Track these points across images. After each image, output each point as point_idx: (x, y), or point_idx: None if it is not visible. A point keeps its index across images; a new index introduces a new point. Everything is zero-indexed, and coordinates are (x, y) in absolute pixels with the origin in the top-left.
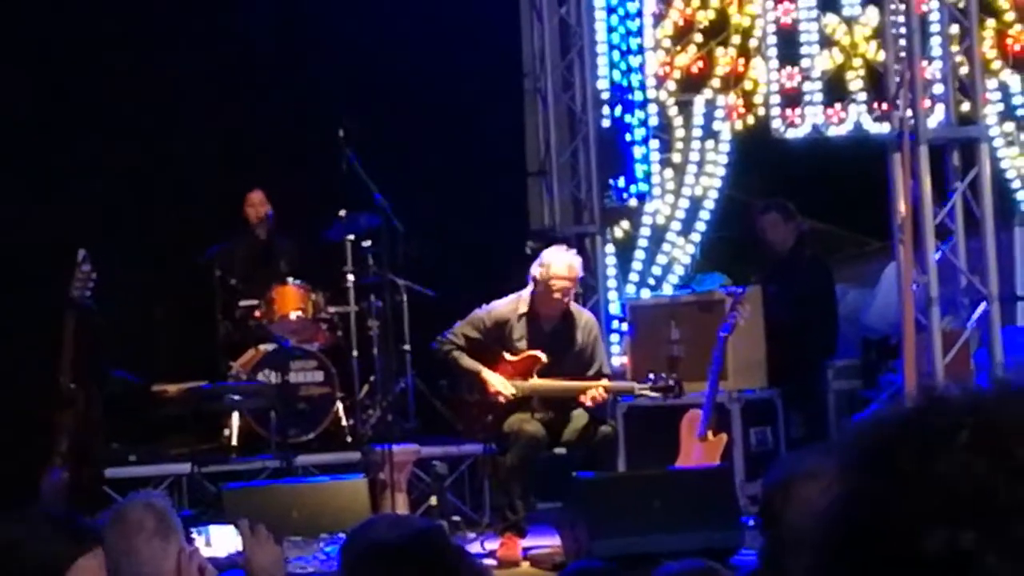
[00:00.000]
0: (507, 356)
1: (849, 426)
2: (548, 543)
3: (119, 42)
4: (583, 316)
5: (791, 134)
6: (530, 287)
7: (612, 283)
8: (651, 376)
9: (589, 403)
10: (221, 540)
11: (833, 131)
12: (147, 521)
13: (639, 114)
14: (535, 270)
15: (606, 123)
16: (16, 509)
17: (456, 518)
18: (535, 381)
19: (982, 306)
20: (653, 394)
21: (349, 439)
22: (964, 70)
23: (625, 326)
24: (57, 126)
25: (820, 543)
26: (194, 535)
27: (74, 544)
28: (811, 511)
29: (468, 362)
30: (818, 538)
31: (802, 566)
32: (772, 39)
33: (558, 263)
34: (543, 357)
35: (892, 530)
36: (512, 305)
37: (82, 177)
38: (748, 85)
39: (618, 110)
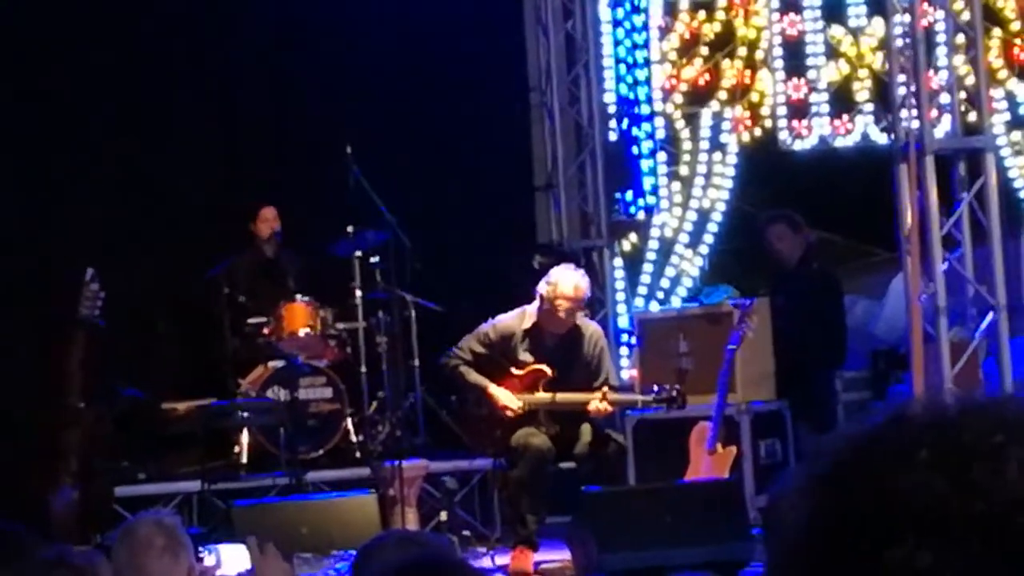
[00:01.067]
0: (513, 370)
1: (817, 444)
2: (558, 557)
3: (127, 60)
4: (589, 328)
5: (798, 145)
6: (536, 303)
7: (621, 296)
8: (655, 388)
9: (593, 414)
10: (231, 558)
11: (840, 142)
12: (157, 539)
13: (646, 127)
14: (543, 288)
15: (613, 136)
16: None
17: (466, 533)
18: (542, 395)
19: (990, 316)
20: (656, 405)
21: (359, 455)
22: (970, 80)
23: (634, 339)
24: (64, 145)
25: (781, 560)
26: (203, 553)
27: None
28: None
29: (475, 377)
30: (779, 555)
31: None
32: (778, 51)
33: (565, 283)
34: (549, 371)
35: (851, 548)
36: (518, 319)
37: (90, 196)
38: (755, 97)
39: (625, 123)
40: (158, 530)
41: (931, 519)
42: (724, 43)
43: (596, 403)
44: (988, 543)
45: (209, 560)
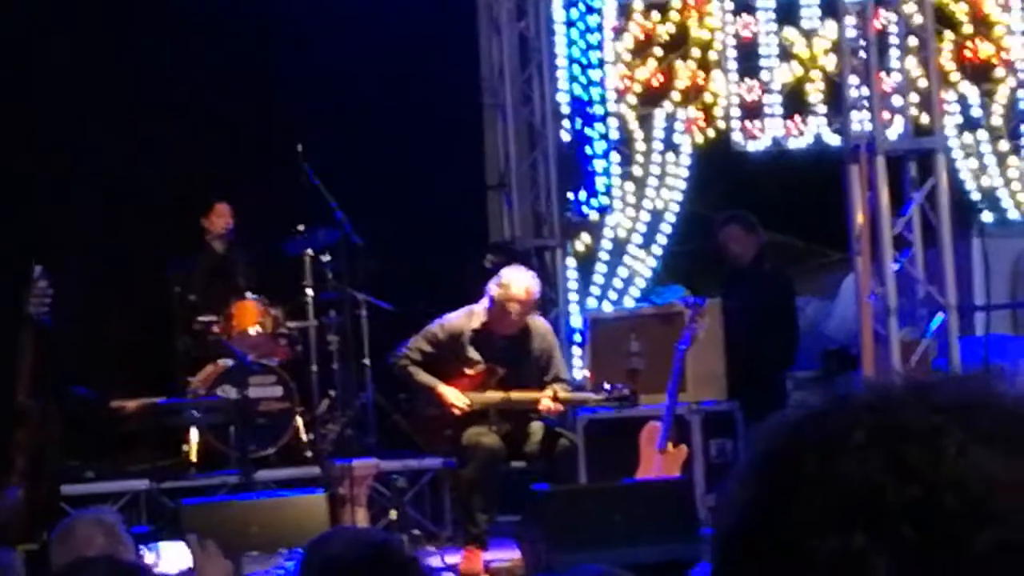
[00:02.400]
0: (464, 369)
1: (754, 433)
2: (509, 556)
3: (78, 57)
4: (536, 324)
5: (751, 147)
6: (485, 303)
7: (573, 296)
8: (607, 387)
9: (544, 412)
10: (172, 556)
11: (793, 143)
12: (96, 537)
13: (599, 127)
14: (493, 289)
15: (566, 137)
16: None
17: (416, 532)
18: (491, 394)
19: (940, 316)
20: (609, 404)
21: (309, 454)
22: (922, 82)
23: (586, 339)
24: (13, 140)
25: (719, 548)
26: (144, 551)
27: None
28: None
29: (424, 377)
30: (717, 545)
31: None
32: (732, 52)
33: (517, 285)
34: (499, 370)
35: (786, 534)
36: (466, 318)
37: (39, 191)
38: (708, 98)
39: (578, 123)
40: (98, 528)
41: (865, 503)
42: (678, 44)
43: (547, 402)
44: (923, 526)
45: (150, 558)
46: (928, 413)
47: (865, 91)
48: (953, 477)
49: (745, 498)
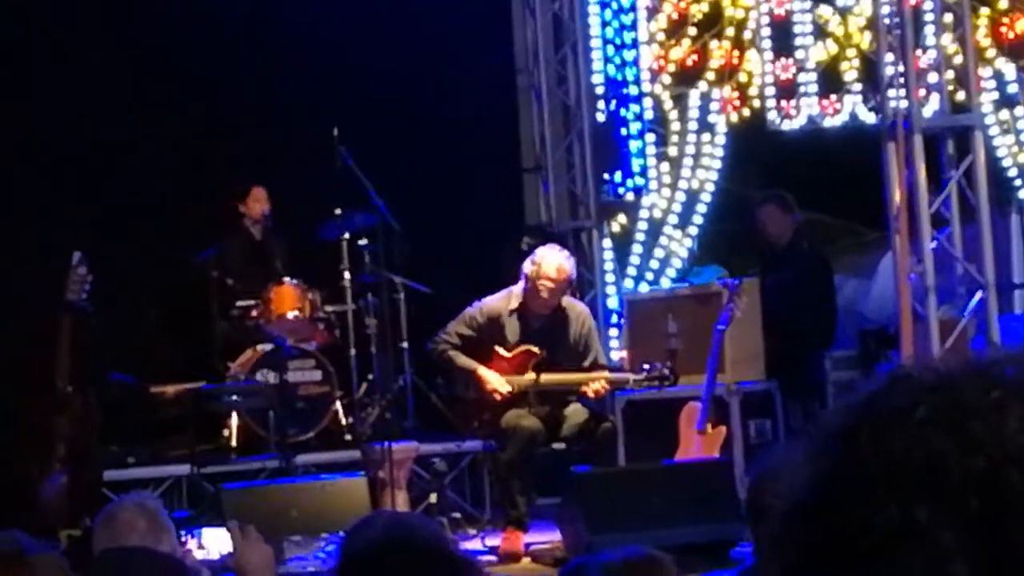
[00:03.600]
0: (502, 352)
1: (822, 413)
2: (548, 538)
3: (112, 41)
4: (576, 308)
5: (786, 126)
6: (522, 283)
7: (610, 277)
8: (645, 366)
9: (592, 395)
10: (214, 542)
11: (828, 122)
12: (138, 522)
13: (634, 108)
14: (527, 267)
15: (601, 117)
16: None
17: (456, 515)
18: (531, 376)
19: (979, 294)
20: (648, 384)
21: (348, 438)
22: (958, 59)
23: (623, 320)
24: (50, 128)
25: (781, 524)
26: (185, 537)
27: None
28: None
29: (463, 360)
30: (778, 520)
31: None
32: (766, 31)
33: (548, 263)
34: (537, 351)
35: (848, 507)
36: (504, 300)
37: (78, 179)
38: (743, 77)
39: (613, 104)
40: (140, 513)
41: (928, 475)
42: (712, 23)
43: (596, 384)
44: (986, 499)
45: (191, 544)
46: (989, 389)
47: (901, 68)
48: (1016, 451)
49: (808, 473)
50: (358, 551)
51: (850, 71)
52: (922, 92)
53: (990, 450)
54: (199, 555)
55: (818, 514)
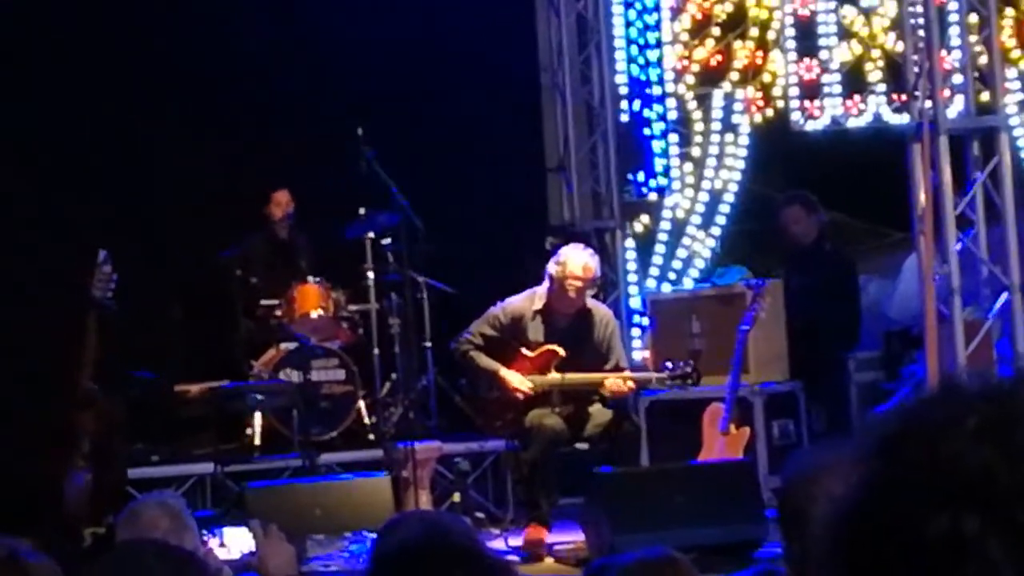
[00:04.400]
0: (524, 352)
1: (869, 417)
2: (572, 539)
3: (137, 40)
4: (599, 311)
5: (810, 126)
6: (546, 283)
7: (633, 277)
8: (668, 365)
9: (615, 391)
10: (236, 541)
11: (852, 123)
12: (161, 521)
13: (658, 108)
14: (552, 267)
15: (624, 118)
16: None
17: (479, 515)
18: (554, 376)
19: (1004, 296)
20: (672, 383)
21: (371, 437)
22: (983, 60)
23: (646, 320)
24: (75, 126)
25: (829, 531)
26: (208, 536)
27: None
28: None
29: (486, 361)
30: (827, 526)
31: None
32: (790, 31)
33: (574, 262)
34: (560, 351)
35: (897, 516)
36: (528, 301)
37: (102, 178)
38: (767, 78)
39: (636, 104)
40: (162, 512)
41: (978, 486)
42: (736, 24)
43: (617, 380)
44: None
45: (214, 543)
46: None
47: (926, 69)
48: None
49: (859, 479)
50: (391, 551)
51: (874, 72)
52: (947, 93)
53: None
54: (221, 554)
55: (868, 522)
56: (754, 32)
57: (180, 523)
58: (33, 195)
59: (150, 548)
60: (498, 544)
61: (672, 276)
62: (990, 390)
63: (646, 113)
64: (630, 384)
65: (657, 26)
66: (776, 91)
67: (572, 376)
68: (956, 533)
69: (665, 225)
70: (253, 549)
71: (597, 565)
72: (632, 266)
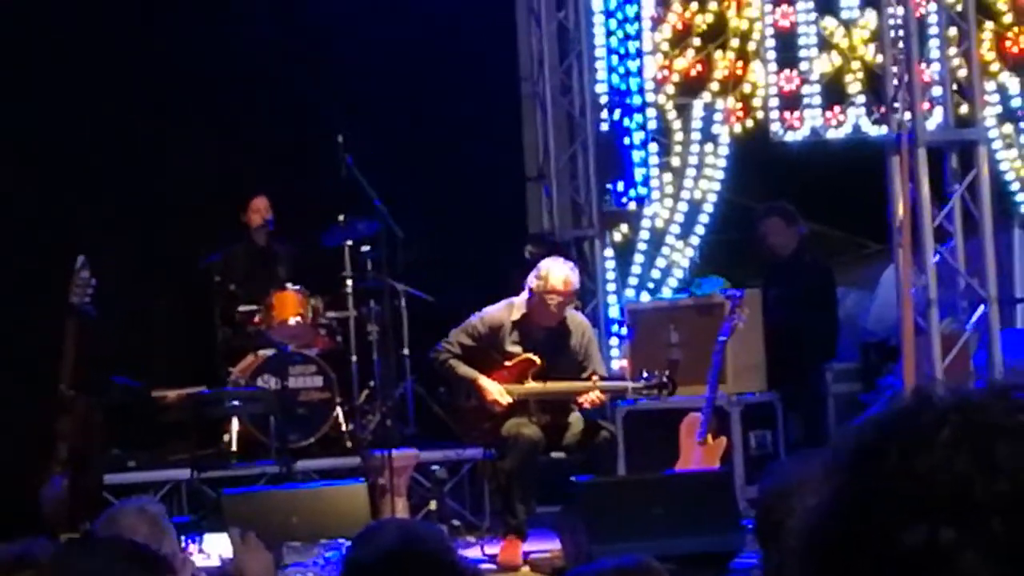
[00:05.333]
0: (503, 361)
1: (843, 427)
2: (548, 547)
3: (117, 45)
4: (576, 320)
5: (790, 137)
6: (526, 295)
7: (611, 287)
8: (644, 375)
9: (587, 406)
10: (215, 547)
11: (832, 134)
12: (139, 527)
13: (638, 118)
14: (532, 281)
15: (605, 127)
16: (97, 541)
17: (456, 523)
18: (531, 385)
19: (981, 308)
20: (647, 392)
21: (349, 444)
22: (963, 72)
23: (624, 330)
24: (58, 134)
25: (802, 543)
26: (186, 542)
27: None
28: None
29: (464, 370)
30: (801, 537)
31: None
32: (770, 42)
33: (555, 277)
34: (538, 361)
35: (872, 528)
36: (506, 311)
37: (81, 183)
38: (747, 88)
39: (617, 114)
40: (141, 517)
41: (953, 498)
42: (716, 34)
43: (591, 395)
44: (1011, 522)
45: (193, 549)
46: (1013, 412)
47: (905, 81)
48: None
49: (833, 490)
50: (366, 559)
51: (854, 83)
52: (926, 105)
53: (1014, 473)
54: (200, 560)
55: (843, 531)
56: (734, 43)
57: (158, 528)
58: (10, 200)
59: (102, 545)
60: (474, 552)
61: (651, 285)
62: (963, 400)
63: (626, 123)
64: (599, 395)
65: (638, 36)
66: (756, 102)
67: (549, 385)
68: (932, 545)
69: (644, 235)
70: (232, 556)
71: (574, 573)
72: (611, 275)
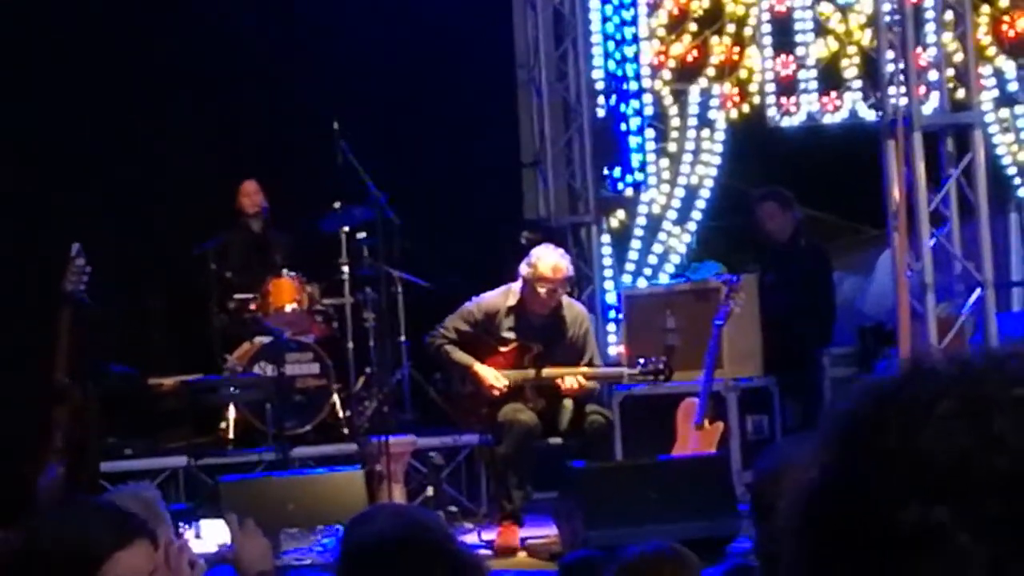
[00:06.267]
0: (499, 348)
1: (838, 401)
2: (545, 533)
3: (111, 33)
4: (573, 308)
5: (786, 122)
6: (520, 282)
7: (608, 272)
8: (640, 361)
9: (569, 393)
10: (211, 534)
11: (828, 119)
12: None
13: (634, 103)
14: (523, 269)
15: (601, 113)
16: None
17: (453, 508)
18: (527, 371)
19: (977, 292)
20: (643, 378)
21: (345, 431)
22: (959, 56)
23: (621, 315)
24: (49, 119)
25: (794, 520)
26: (184, 529)
27: (116, 535)
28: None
29: (460, 356)
30: (791, 516)
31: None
32: (767, 27)
33: (544, 263)
34: (534, 347)
35: (865, 504)
36: (502, 297)
37: (76, 171)
38: (743, 73)
39: (613, 100)
40: (136, 504)
41: (948, 474)
42: (713, 20)
43: (571, 380)
44: (1009, 500)
45: (190, 535)
46: (1011, 385)
47: (901, 66)
48: None
49: (826, 462)
50: (362, 544)
51: (850, 68)
52: (922, 90)
53: (1014, 447)
54: (197, 546)
55: (836, 505)
56: (731, 28)
57: (154, 514)
58: (6, 189)
59: (96, 504)
60: (471, 538)
61: (647, 271)
62: (961, 373)
63: (622, 108)
64: (582, 381)
65: (634, 21)
66: (752, 87)
67: (545, 371)
68: (927, 523)
69: (641, 220)
70: (229, 542)
71: (571, 559)
72: (608, 261)
